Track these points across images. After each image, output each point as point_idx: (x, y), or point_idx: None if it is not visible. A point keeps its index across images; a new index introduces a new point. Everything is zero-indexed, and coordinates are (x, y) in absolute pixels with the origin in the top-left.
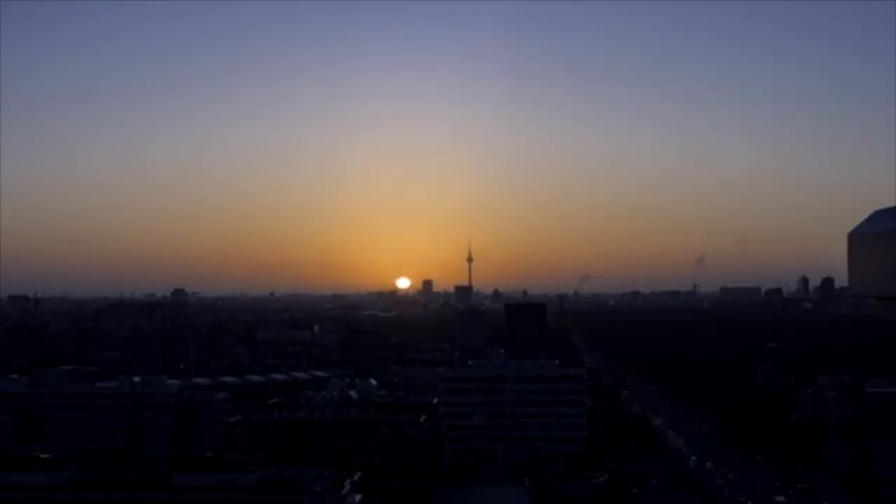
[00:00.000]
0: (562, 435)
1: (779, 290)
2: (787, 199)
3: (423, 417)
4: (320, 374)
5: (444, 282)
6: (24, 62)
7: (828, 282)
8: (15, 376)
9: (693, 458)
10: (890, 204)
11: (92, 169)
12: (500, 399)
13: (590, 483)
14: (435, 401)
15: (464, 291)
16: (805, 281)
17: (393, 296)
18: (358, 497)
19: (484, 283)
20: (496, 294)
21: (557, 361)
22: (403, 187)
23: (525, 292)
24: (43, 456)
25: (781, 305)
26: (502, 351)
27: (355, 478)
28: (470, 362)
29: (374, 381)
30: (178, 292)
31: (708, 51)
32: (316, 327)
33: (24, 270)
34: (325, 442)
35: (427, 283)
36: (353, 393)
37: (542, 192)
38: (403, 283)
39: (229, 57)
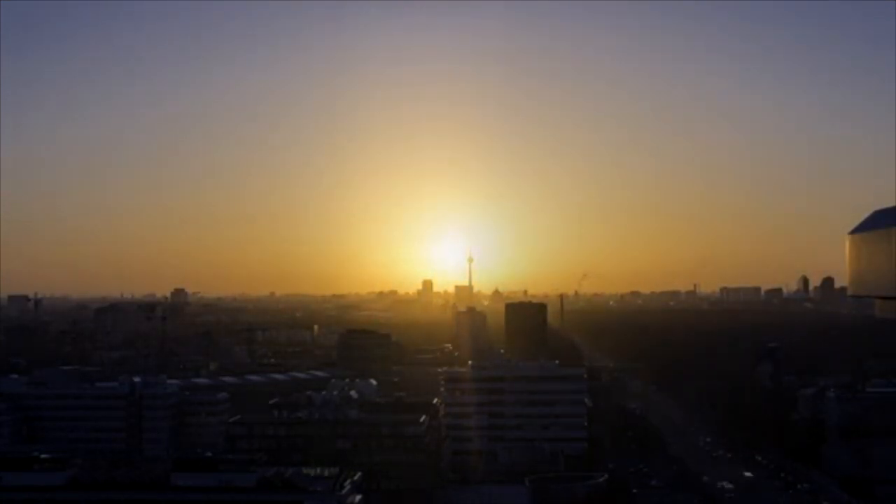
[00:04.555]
0: (562, 435)
1: (779, 290)
2: (787, 199)
3: (423, 417)
4: (320, 374)
5: (444, 282)
6: (23, 61)
7: (828, 282)
8: (15, 376)
9: (693, 458)
10: (890, 204)
11: (92, 168)
12: (500, 399)
13: (590, 483)
14: (435, 401)
15: (464, 291)
16: (805, 281)
17: (393, 296)
18: (358, 497)
19: (484, 283)
20: (496, 294)
21: (557, 361)
22: (403, 187)
23: (525, 292)
24: (43, 456)
25: (781, 305)
26: (502, 351)
27: (355, 478)
28: (470, 362)
29: (374, 381)
30: (178, 292)
31: (708, 50)
32: (316, 327)
33: (24, 270)
34: (325, 442)
35: (427, 283)
36: (353, 393)
37: (542, 191)
38: (463, 256)
39: (230, 57)
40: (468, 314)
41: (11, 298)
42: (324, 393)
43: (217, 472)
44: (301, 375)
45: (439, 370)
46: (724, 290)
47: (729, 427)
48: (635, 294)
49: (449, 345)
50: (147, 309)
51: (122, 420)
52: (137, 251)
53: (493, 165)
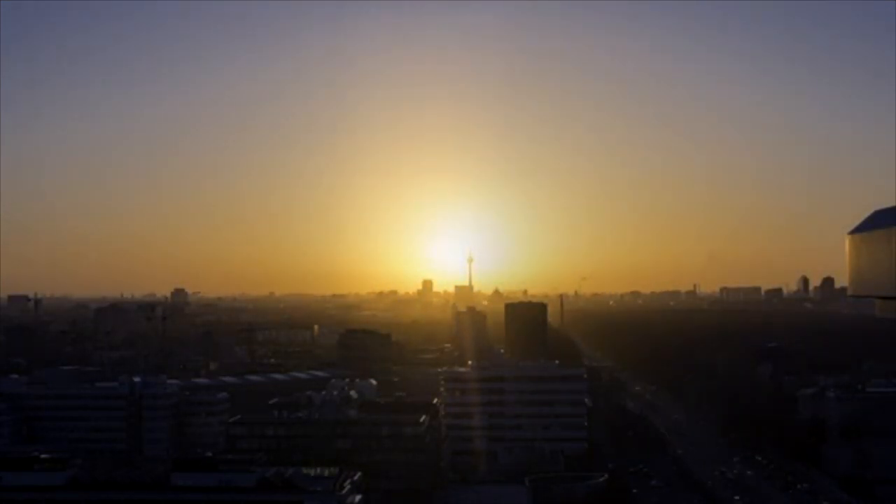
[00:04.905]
0: (562, 435)
1: (779, 290)
2: (787, 199)
3: (423, 417)
4: (320, 374)
5: (444, 281)
6: (23, 61)
7: (828, 282)
8: (15, 376)
9: (693, 457)
10: (890, 204)
11: (92, 168)
12: (500, 399)
13: (590, 483)
14: (435, 401)
15: (464, 291)
16: (805, 281)
17: (393, 296)
18: (358, 497)
19: (484, 283)
20: (496, 294)
21: (557, 361)
22: (403, 186)
23: (525, 292)
24: (43, 456)
25: (781, 305)
26: (502, 351)
27: (355, 478)
28: (470, 362)
29: (374, 381)
30: (178, 292)
31: (708, 50)
32: (316, 327)
33: (24, 270)
34: (325, 442)
35: (427, 283)
36: (353, 393)
37: (542, 191)
38: (463, 256)
39: (230, 57)
40: (468, 314)
41: (11, 298)
42: (324, 393)
43: (217, 472)
44: (301, 375)
45: (439, 370)
46: (724, 290)
47: (729, 427)
48: (635, 294)
49: (449, 345)
50: (147, 309)
51: (122, 420)
52: (137, 251)
53: (493, 165)
